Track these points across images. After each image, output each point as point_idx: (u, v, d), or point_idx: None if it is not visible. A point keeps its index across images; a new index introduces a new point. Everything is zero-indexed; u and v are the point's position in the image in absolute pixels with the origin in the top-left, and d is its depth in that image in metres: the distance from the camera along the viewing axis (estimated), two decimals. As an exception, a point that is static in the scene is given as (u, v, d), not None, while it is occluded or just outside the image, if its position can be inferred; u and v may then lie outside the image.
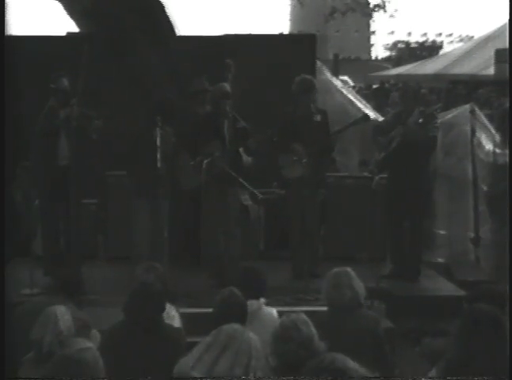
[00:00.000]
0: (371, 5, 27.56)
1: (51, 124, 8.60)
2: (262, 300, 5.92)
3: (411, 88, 9.92)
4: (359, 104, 12.80)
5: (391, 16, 29.64)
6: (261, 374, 4.50)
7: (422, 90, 16.60)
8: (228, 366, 4.48)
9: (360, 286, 5.79)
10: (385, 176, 9.26)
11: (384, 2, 26.51)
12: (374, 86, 23.80)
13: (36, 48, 10.21)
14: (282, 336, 4.69)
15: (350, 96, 13.13)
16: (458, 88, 18.65)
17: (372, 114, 11.60)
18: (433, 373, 4.67)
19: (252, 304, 5.73)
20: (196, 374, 4.51)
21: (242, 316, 5.14)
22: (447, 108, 12.57)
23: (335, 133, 8.98)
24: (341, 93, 13.07)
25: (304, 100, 8.88)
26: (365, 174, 10.47)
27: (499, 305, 5.34)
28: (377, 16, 30.16)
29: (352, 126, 9.23)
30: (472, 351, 4.44)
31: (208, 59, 9.94)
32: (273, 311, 5.98)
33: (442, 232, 10.59)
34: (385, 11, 27.24)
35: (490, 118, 11.12)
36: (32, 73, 9.75)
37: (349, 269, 5.85)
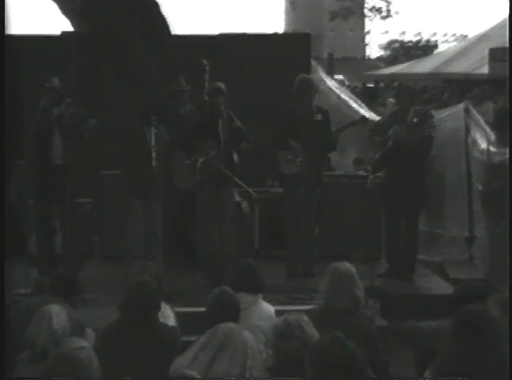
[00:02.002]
0: (369, 7, 27.54)
1: (44, 123, 8.59)
2: (259, 295, 5.94)
3: (408, 87, 9.93)
4: (354, 104, 12.80)
5: (387, 16, 29.63)
6: (258, 374, 4.50)
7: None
8: (225, 365, 4.47)
9: (360, 288, 5.69)
10: (380, 175, 9.27)
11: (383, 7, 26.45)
12: (369, 85, 23.79)
13: (31, 48, 10.20)
14: (285, 333, 4.68)
15: (345, 96, 13.13)
16: (452, 86, 18.67)
17: (367, 114, 11.62)
18: (426, 374, 4.67)
19: (248, 296, 5.77)
20: (191, 373, 4.50)
21: (234, 314, 5.15)
22: (441, 106, 12.58)
23: (335, 132, 9.00)
24: (336, 92, 13.07)
25: (305, 100, 8.90)
26: (360, 173, 10.48)
27: (483, 300, 5.35)
28: (373, 16, 30.16)
29: (350, 126, 9.27)
30: (464, 352, 4.44)
31: (203, 58, 9.93)
32: (270, 306, 6.00)
33: (437, 231, 10.60)
34: (388, 11, 27.13)
35: (485, 117, 11.12)
36: (27, 72, 9.74)
37: (351, 270, 5.72)
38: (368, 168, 9.58)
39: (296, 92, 8.92)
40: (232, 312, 5.15)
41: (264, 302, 6.03)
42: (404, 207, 8.93)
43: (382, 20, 31.40)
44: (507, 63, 11.75)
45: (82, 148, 8.78)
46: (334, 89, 13.17)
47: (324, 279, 5.75)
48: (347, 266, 5.73)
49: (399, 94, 9.63)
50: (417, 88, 11.16)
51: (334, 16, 29.55)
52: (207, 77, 9.38)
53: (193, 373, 4.37)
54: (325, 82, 12.99)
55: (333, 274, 5.69)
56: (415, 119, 8.75)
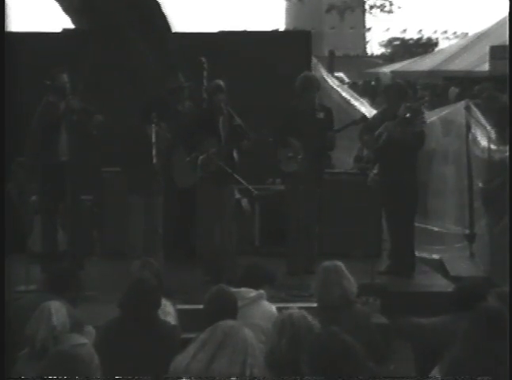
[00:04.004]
0: (371, 3, 27.44)
1: (52, 117, 8.57)
2: (262, 291, 5.92)
3: (396, 84, 9.91)
4: (355, 102, 12.79)
5: (390, 12, 29.48)
6: (258, 372, 4.49)
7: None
8: (225, 364, 4.45)
9: (350, 282, 5.77)
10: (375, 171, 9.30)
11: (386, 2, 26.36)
12: (372, 83, 23.76)
13: (32, 45, 10.20)
14: (283, 332, 4.66)
15: (346, 94, 13.13)
16: (453, 84, 18.63)
17: (368, 112, 11.61)
18: (435, 372, 4.66)
19: (249, 292, 5.75)
20: (191, 372, 4.49)
21: (231, 312, 5.14)
22: (442, 104, 12.57)
23: (334, 132, 8.99)
24: (337, 90, 13.06)
25: (307, 97, 8.89)
26: (355, 171, 10.48)
27: (483, 297, 5.35)
28: (375, 12, 30.07)
29: (350, 126, 9.27)
30: (476, 350, 4.42)
31: (203, 56, 9.92)
32: (272, 306, 5.97)
33: (437, 228, 10.60)
34: (390, 6, 27.00)
35: (486, 114, 11.11)
36: (27, 69, 9.73)
37: (339, 264, 5.86)
38: (367, 165, 9.57)
39: (298, 89, 8.91)
40: (229, 310, 5.14)
41: (266, 302, 5.97)
42: (398, 204, 8.92)
43: (385, 15, 31.29)
44: (507, 61, 11.75)
45: (89, 145, 8.78)
46: (335, 87, 13.16)
47: (315, 276, 5.95)
48: (334, 262, 5.89)
49: (387, 91, 9.61)
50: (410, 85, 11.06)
51: (330, 8, 29.46)
52: (205, 74, 9.39)
53: (193, 372, 4.37)
54: (326, 80, 12.98)
55: (320, 269, 5.87)
56: (408, 115, 8.76)
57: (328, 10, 29.91)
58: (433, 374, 4.71)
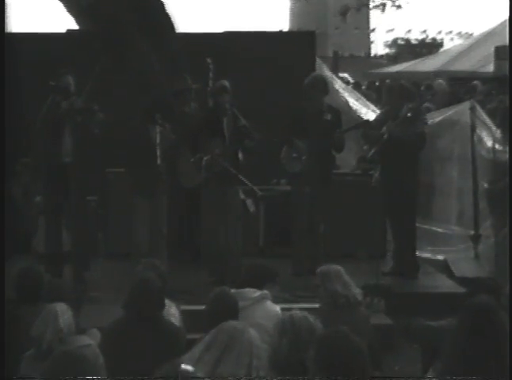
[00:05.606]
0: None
1: (56, 117, 8.57)
2: (266, 292, 5.91)
3: (397, 84, 9.92)
4: (359, 103, 12.77)
5: (399, 7, 29.27)
6: (264, 374, 4.48)
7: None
8: (231, 367, 4.43)
9: (338, 286, 5.87)
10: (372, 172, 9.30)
11: None
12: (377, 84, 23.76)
13: (35, 46, 10.20)
14: (285, 333, 4.65)
15: (350, 96, 13.10)
16: (458, 84, 18.63)
17: (373, 113, 11.61)
18: (430, 373, 4.65)
19: (252, 293, 5.75)
20: (197, 374, 4.47)
21: (233, 314, 5.14)
22: (447, 104, 12.56)
23: (340, 133, 8.96)
24: (341, 92, 13.03)
25: (315, 99, 8.88)
26: (359, 171, 10.47)
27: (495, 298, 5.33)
28: (378, 12, 29.96)
29: (353, 129, 9.26)
30: (469, 349, 4.40)
31: (208, 57, 9.92)
32: (276, 306, 5.97)
33: (442, 229, 10.59)
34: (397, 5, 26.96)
35: (491, 115, 11.10)
36: (31, 70, 9.74)
37: (330, 268, 5.97)
38: (371, 166, 9.57)
39: (306, 90, 8.89)
40: (230, 311, 5.15)
41: (270, 302, 5.96)
42: (399, 203, 8.90)
43: (391, 13, 31.27)
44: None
45: (93, 145, 8.78)
46: (339, 89, 13.14)
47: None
48: (330, 266, 6.03)
49: (389, 92, 9.61)
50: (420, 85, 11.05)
51: (345, 10, 29.25)
52: (211, 75, 9.38)
53: (198, 374, 4.35)
54: (330, 81, 12.95)
55: (320, 276, 5.99)
56: (409, 114, 8.76)
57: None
58: (429, 375, 4.71)
